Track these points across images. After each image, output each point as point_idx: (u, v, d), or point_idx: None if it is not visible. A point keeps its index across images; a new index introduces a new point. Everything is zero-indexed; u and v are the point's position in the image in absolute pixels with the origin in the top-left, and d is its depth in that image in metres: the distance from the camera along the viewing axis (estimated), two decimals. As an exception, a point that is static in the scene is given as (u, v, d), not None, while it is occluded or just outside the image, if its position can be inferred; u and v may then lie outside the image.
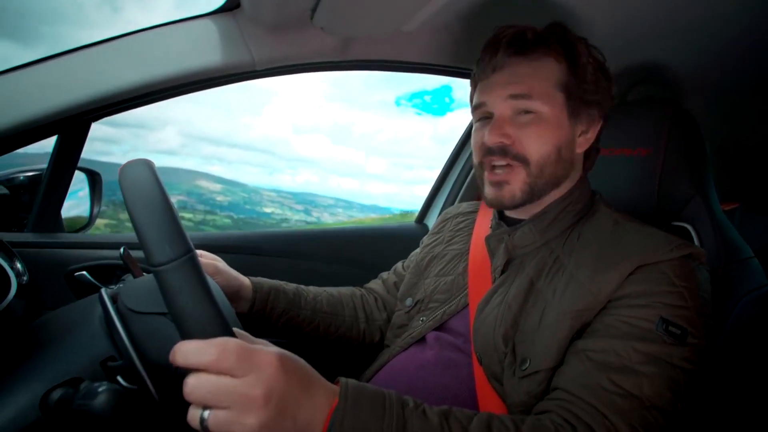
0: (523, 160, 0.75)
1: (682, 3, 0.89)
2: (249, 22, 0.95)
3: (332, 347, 0.99)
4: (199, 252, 0.85)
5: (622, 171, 0.97)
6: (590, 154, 0.82)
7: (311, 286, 1.01)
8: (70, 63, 0.87)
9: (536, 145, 0.74)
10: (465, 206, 1.04)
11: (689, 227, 0.92)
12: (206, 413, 0.44)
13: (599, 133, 0.81)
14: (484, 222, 0.91)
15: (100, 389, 0.46)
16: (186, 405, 0.45)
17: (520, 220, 0.81)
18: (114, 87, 0.88)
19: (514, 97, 0.75)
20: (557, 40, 0.76)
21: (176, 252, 0.44)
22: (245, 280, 0.89)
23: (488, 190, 0.79)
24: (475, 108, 0.81)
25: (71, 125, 0.93)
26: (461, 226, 0.98)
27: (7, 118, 0.82)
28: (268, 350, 0.47)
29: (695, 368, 0.63)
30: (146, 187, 0.45)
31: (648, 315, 0.63)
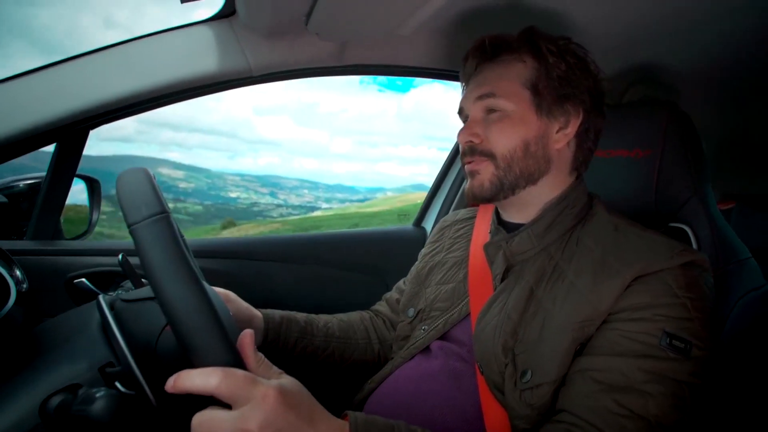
0: (489, 155, 0.78)
1: (677, 4, 0.89)
2: (245, 29, 0.95)
3: (347, 373, 0.99)
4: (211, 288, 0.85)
5: (619, 173, 0.97)
6: (579, 151, 0.81)
7: (321, 315, 1.01)
8: (68, 71, 0.88)
9: (502, 140, 0.77)
10: (463, 213, 1.04)
11: (686, 228, 0.92)
12: None
13: (594, 133, 0.81)
14: (483, 228, 0.91)
15: (98, 395, 0.46)
16: (183, 410, 0.46)
17: (518, 225, 0.81)
18: (112, 95, 0.89)
19: (480, 98, 0.80)
20: (523, 43, 0.79)
21: (151, 210, 0.47)
22: (256, 312, 0.88)
23: (467, 183, 0.83)
24: (459, 113, 0.87)
25: (70, 133, 0.93)
26: (460, 233, 0.98)
27: (7, 126, 0.82)
28: (269, 383, 0.48)
29: (701, 382, 0.62)
30: (136, 176, 0.49)
31: (651, 329, 0.62)
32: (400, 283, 1.08)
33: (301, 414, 0.48)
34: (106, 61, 0.90)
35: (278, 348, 0.89)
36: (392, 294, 1.07)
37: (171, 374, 0.46)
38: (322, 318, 0.98)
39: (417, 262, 1.03)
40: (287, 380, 0.51)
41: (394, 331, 1.00)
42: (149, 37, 0.92)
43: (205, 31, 0.94)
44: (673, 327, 0.62)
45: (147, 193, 0.47)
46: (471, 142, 0.79)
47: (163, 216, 0.46)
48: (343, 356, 0.96)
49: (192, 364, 0.46)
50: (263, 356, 0.52)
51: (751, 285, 0.84)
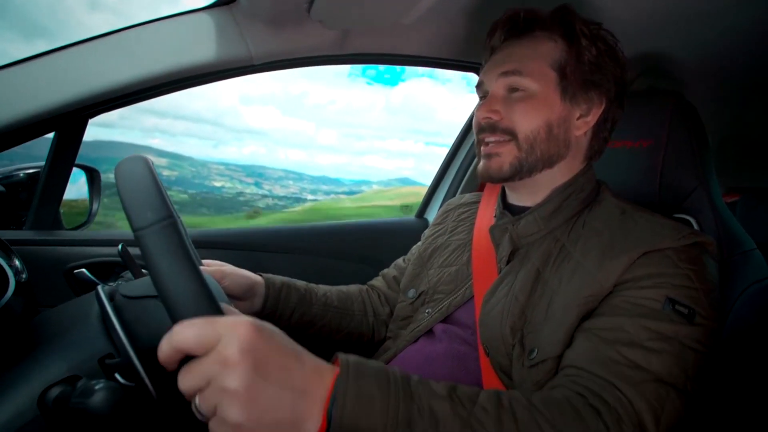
0: (512, 134, 0.76)
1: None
2: (246, 16, 0.94)
3: (340, 345, 0.98)
4: (205, 261, 0.85)
5: (624, 163, 0.96)
6: (594, 140, 0.81)
7: (320, 285, 1.01)
8: (67, 59, 0.86)
9: (525, 120, 0.76)
10: (467, 197, 1.04)
11: (691, 219, 0.91)
12: (197, 399, 0.43)
13: (611, 124, 0.81)
14: (487, 212, 0.91)
15: (97, 387, 0.46)
16: (183, 402, 0.45)
17: (524, 209, 0.81)
18: (111, 83, 0.88)
19: (505, 74, 0.78)
20: (556, 21, 0.78)
21: (157, 215, 0.44)
22: (256, 277, 0.89)
23: (480, 164, 0.81)
24: (477, 87, 0.85)
25: (68, 122, 0.92)
26: (464, 216, 0.98)
27: (4, 114, 0.81)
28: (237, 316, 0.45)
29: (706, 351, 0.61)
30: (137, 172, 0.47)
31: (654, 295, 0.63)
32: (399, 260, 1.09)
33: (281, 345, 0.46)
34: (106, 48, 0.88)
35: (276, 314, 0.90)
36: (390, 271, 1.08)
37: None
38: (322, 287, 0.99)
39: (419, 243, 1.04)
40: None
41: (389, 306, 1.02)
42: (149, 24, 0.91)
43: (206, 19, 0.93)
44: (675, 293, 0.62)
45: (151, 194, 0.46)
46: (490, 118, 0.77)
47: (170, 221, 0.45)
48: (339, 327, 0.97)
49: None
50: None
51: (755, 276, 0.84)
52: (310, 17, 0.92)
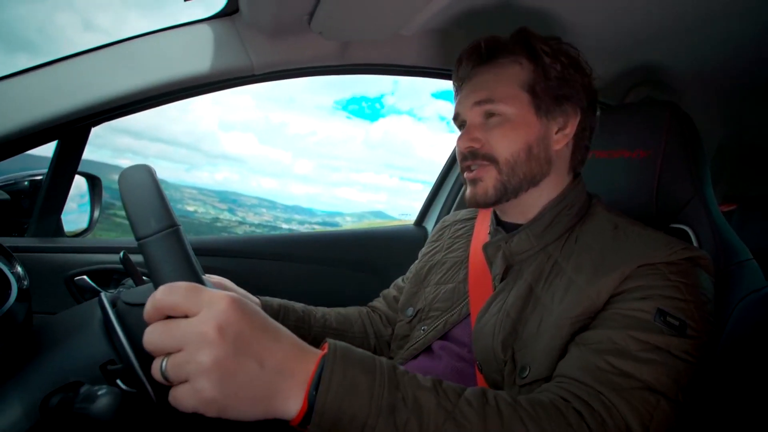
0: (492, 160, 0.77)
1: (679, 5, 0.89)
2: (247, 27, 0.95)
3: None
4: (206, 276, 0.85)
5: (621, 173, 0.96)
6: (576, 151, 0.82)
7: (319, 307, 1.01)
8: (70, 68, 0.88)
9: (504, 144, 0.77)
10: (463, 213, 1.04)
11: (688, 229, 0.92)
12: (164, 360, 0.43)
13: (589, 132, 0.82)
14: (483, 228, 0.91)
15: (100, 392, 0.46)
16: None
17: (517, 225, 0.81)
18: (113, 92, 0.89)
19: (478, 103, 0.79)
20: (517, 44, 0.79)
21: (160, 225, 0.45)
22: (254, 299, 0.88)
23: (467, 190, 0.82)
24: (454, 119, 0.86)
25: (71, 130, 0.93)
26: (460, 233, 0.98)
27: (8, 123, 0.82)
28: (221, 292, 0.45)
29: (697, 363, 0.61)
30: (140, 181, 0.48)
31: (645, 306, 0.62)
32: (399, 280, 1.08)
33: (260, 323, 0.45)
34: (108, 58, 0.90)
35: None
36: (390, 291, 1.07)
37: None
38: (320, 310, 0.98)
39: (417, 261, 1.03)
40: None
41: (391, 327, 1.01)
42: (152, 35, 0.92)
43: (208, 29, 0.94)
44: (666, 305, 0.62)
45: (155, 203, 0.47)
46: (471, 146, 0.78)
47: (173, 230, 0.46)
48: None
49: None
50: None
51: (752, 286, 0.84)
52: (311, 29, 0.94)
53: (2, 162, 0.87)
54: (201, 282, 0.46)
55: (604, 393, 0.56)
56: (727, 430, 0.79)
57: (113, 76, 0.89)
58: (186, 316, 0.43)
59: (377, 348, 1.00)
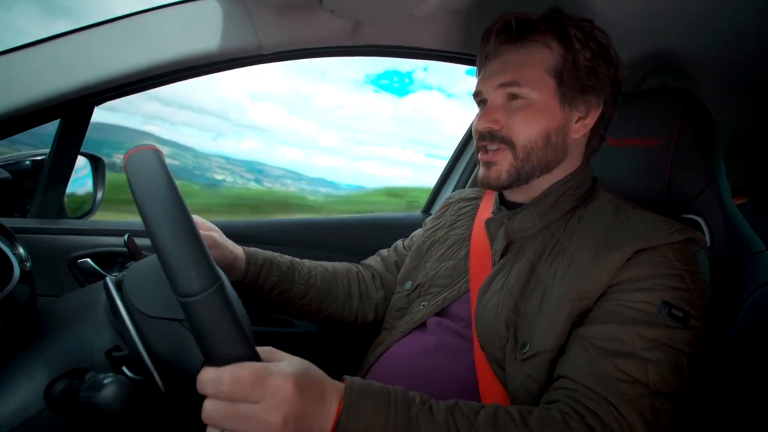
0: (509, 143, 0.77)
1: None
2: (256, 4, 0.92)
3: (321, 324, 0.98)
4: (195, 219, 0.83)
5: (633, 161, 0.95)
6: (592, 140, 0.82)
7: (306, 259, 1.00)
8: (74, 44, 0.85)
9: (523, 129, 0.76)
10: (468, 192, 1.04)
11: (700, 219, 0.91)
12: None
13: (607, 121, 0.81)
14: (487, 207, 0.91)
15: (106, 381, 0.45)
16: (193, 397, 0.44)
17: (521, 204, 0.82)
18: (117, 70, 0.86)
19: (503, 85, 0.78)
20: (550, 26, 0.77)
21: (204, 283, 0.42)
22: (240, 252, 0.88)
23: (480, 171, 0.82)
24: (474, 95, 0.85)
25: (74, 109, 0.91)
26: (464, 211, 0.98)
27: (9, 100, 0.80)
28: (283, 374, 0.47)
29: (698, 353, 0.63)
30: (164, 197, 0.43)
31: (650, 298, 0.64)
32: (399, 243, 1.09)
33: (313, 396, 0.49)
34: (113, 34, 0.87)
35: (256, 288, 0.90)
36: (390, 253, 1.08)
37: (181, 359, 0.46)
38: (306, 264, 0.98)
39: (420, 231, 1.04)
40: (294, 361, 0.51)
41: (383, 290, 1.02)
42: (158, 10, 0.89)
43: (215, 6, 0.91)
44: (671, 297, 0.63)
45: (198, 257, 0.43)
46: (491, 128, 0.77)
47: (217, 286, 0.43)
48: (320, 308, 0.97)
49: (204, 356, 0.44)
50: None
51: (764, 278, 0.83)
52: (322, 7, 0.91)
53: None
54: (254, 351, 0.46)
55: (613, 403, 0.58)
56: (738, 422, 0.78)
57: (117, 53, 0.87)
58: None
59: (359, 311, 1.00)
